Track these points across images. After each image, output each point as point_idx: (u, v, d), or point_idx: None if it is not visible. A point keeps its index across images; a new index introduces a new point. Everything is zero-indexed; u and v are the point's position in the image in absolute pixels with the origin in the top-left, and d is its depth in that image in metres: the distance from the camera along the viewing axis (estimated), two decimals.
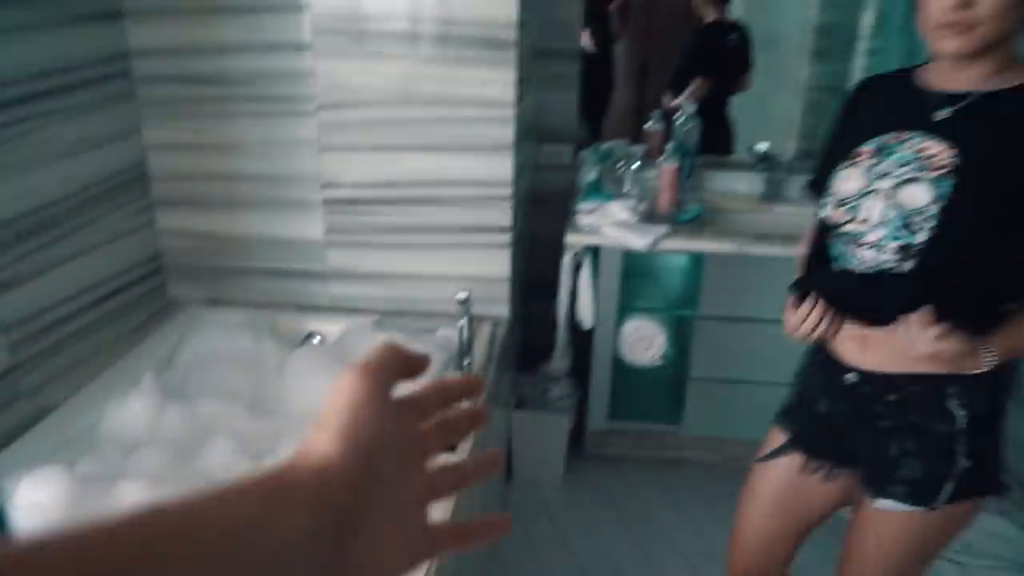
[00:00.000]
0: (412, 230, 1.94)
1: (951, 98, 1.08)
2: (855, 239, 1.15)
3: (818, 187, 1.26)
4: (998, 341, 1.09)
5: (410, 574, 0.38)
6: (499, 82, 1.79)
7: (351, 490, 0.35)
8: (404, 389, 0.40)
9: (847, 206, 1.15)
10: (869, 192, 1.13)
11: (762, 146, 2.52)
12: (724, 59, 2.67)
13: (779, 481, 1.34)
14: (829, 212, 1.18)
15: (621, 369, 2.22)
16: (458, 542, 0.41)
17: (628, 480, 2.33)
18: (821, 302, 1.19)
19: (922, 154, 1.09)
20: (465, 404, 0.43)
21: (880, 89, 1.23)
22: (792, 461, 1.31)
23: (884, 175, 1.12)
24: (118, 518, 0.28)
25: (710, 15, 2.61)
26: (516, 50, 1.76)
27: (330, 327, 1.94)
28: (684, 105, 2.43)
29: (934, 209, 1.05)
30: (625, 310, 2.17)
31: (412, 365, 0.40)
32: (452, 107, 1.81)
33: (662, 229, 2.05)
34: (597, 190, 2.28)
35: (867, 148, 1.15)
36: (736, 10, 2.63)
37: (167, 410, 1.53)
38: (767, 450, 1.35)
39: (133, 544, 0.28)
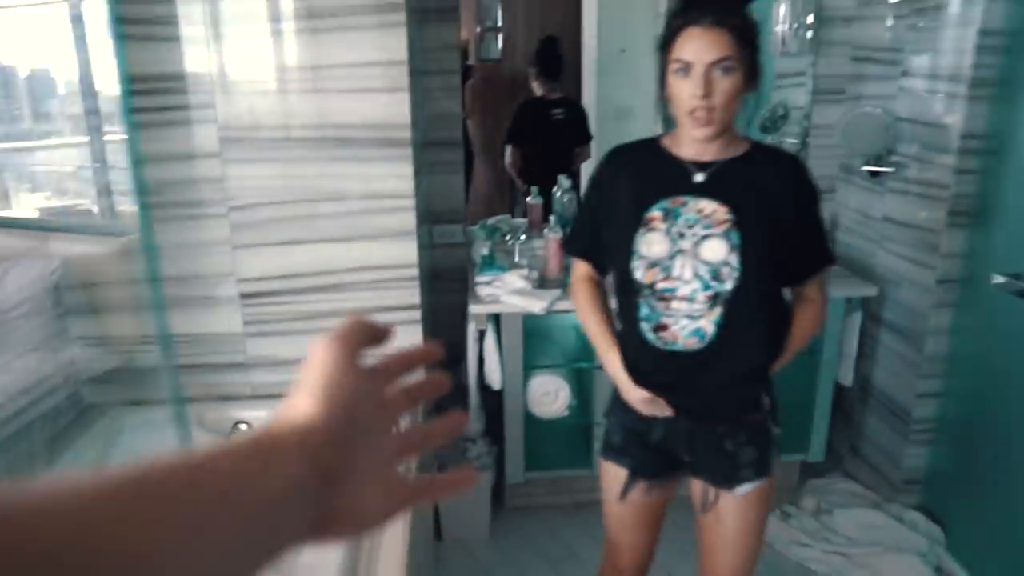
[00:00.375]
0: (328, 315, 2.08)
1: (701, 165, 1.37)
2: (665, 295, 1.36)
3: (583, 252, 1.54)
4: (786, 351, 1.45)
5: (385, 525, 0.41)
6: (398, 176, 1.99)
7: (332, 444, 0.37)
8: (371, 358, 0.44)
9: (659, 267, 1.36)
10: (677, 253, 1.35)
11: None
12: (550, 132, 2.98)
13: (635, 507, 1.56)
14: (642, 274, 1.37)
15: (532, 423, 2.41)
16: (429, 494, 0.44)
17: (549, 525, 2.50)
18: (658, 400, 1.43)
19: (702, 213, 1.34)
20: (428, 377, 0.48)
21: (635, 159, 1.46)
22: (639, 488, 1.54)
23: (682, 235, 1.35)
24: (112, 473, 0.29)
25: (538, 91, 2.92)
26: (411, 147, 1.98)
27: (256, 414, 2.03)
28: (560, 180, 2.73)
29: (734, 259, 1.32)
30: (529, 369, 2.37)
31: (377, 334, 0.44)
32: (357, 201, 1.99)
33: (555, 293, 2.29)
34: (491, 263, 2.50)
35: (656, 213, 1.37)
36: (588, 87, 2.96)
37: None
38: (617, 489, 1.55)
39: (126, 497, 0.28)
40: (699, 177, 1.37)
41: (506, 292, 2.30)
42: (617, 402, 1.54)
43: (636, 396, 1.44)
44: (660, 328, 1.38)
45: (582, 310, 1.55)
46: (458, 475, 0.45)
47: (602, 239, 1.48)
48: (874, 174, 2.48)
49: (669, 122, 1.42)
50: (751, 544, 1.52)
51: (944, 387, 2.36)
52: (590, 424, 2.45)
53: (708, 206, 1.34)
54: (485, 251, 2.54)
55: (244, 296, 2.06)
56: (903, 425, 2.44)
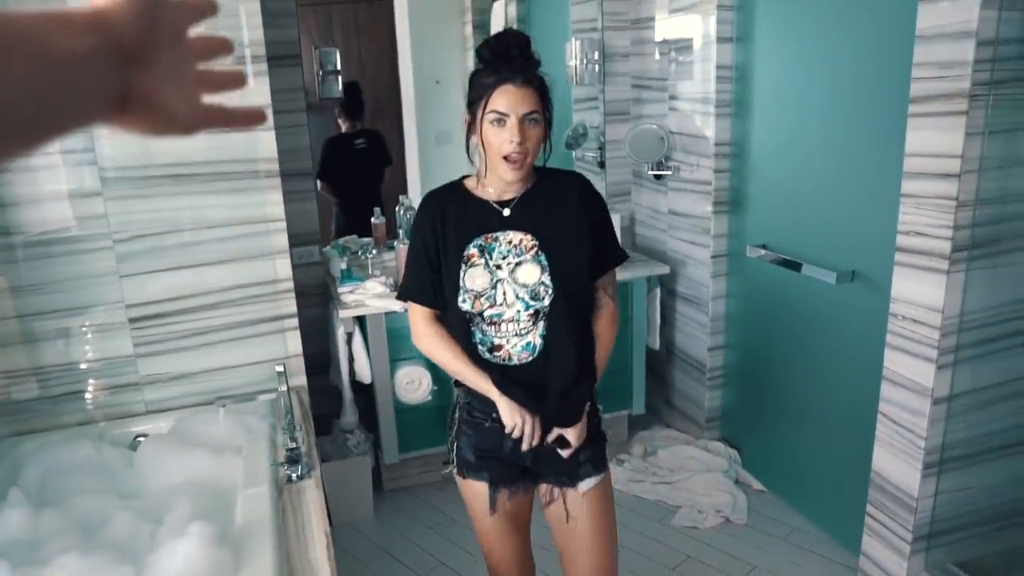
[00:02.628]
0: (213, 330, 2.33)
1: (505, 203, 1.54)
2: (494, 319, 1.52)
3: (423, 296, 1.58)
4: (599, 369, 1.62)
5: (183, 134, 0.47)
6: (270, 203, 2.29)
7: (127, 26, 0.42)
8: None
9: (483, 297, 1.51)
10: (497, 282, 1.51)
11: None
12: (356, 160, 3.37)
13: (503, 515, 1.66)
14: (470, 306, 1.52)
15: (401, 409, 2.76)
16: (223, 120, 0.49)
17: (425, 499, 2.86)
18: (534, 421, 1.53)
19: (512, 243, 1.52)
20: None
21: (447, 204, 1.57)
22: (502, 496, 1.64)
23: (498, 266, 1.51)
24: None
25: (343, 127, 3.30)
26: (279, 177, 2.29)
27: (154, 425, 2.23)
28: (402, 199, 3.11)
29: (546, 278, 1.50)
30: (394, 362, 2.73)
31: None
32: (234, 226, 2.27)
33: None
34: (350, 275, 2.84)
35: (473, 251, 1.52)
36: (409, 116, 3.31)
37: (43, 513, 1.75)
38: (484, 503, 1.64)
39: None
40: (505, 212, 1.54)
41: (369, 297, 2.65)
42: (462, 425, 1.65)
43: (511, 415, 1.53)
44: (495, 349, 1.54)
45: (438, 355, 1.61)
46: (249, 113, 0.52)
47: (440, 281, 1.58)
48: (658, 177, 3.09)
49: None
50: (609, 538, 1.65)
51: (726, 340, 2.99)
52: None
53: (516, 236, 1.53)
54: (343, 266, 2.87)
55: (132, 320, 2.26)
56: (701, 375, 3.05)
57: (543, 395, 1.54)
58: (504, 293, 1.51)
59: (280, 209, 2.30)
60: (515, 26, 3.34)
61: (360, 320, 2.68)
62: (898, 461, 2.09)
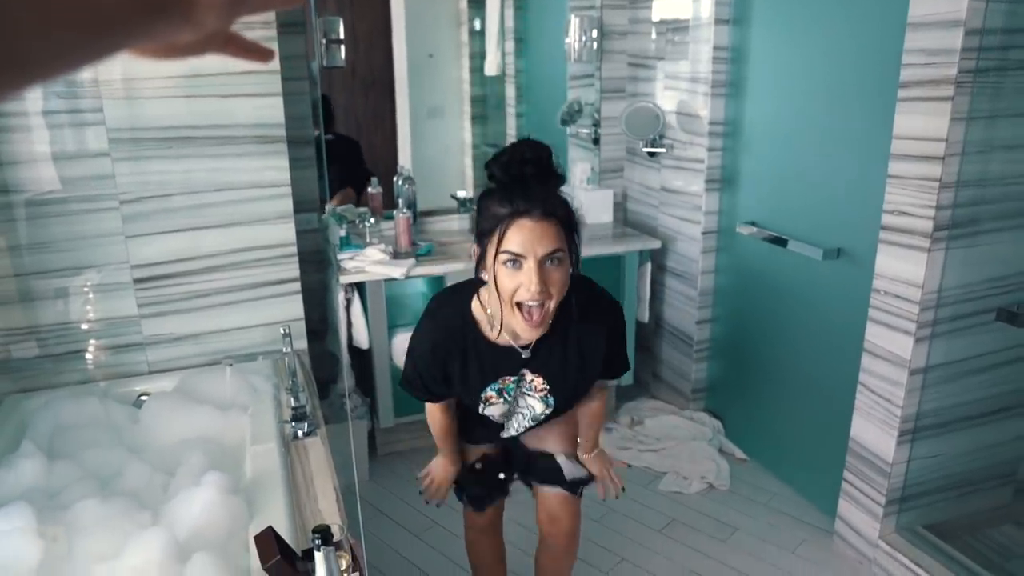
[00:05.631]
0: (217, 292, 2.38)
1: (523, 347, 1.47)
2: (504, 424, 1.67)
3: (432, 397, 1.62)
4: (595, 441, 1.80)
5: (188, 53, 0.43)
6: (275, 167, 2.34)
7: (212, 11, 0.39)
8: None
9: (503, 415, 1.62)
10: (514, 413, 1.61)
11: (461, 193, 3.35)
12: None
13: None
14: (492, 414, 1.61)
15: (397, 374, 2.83)
16: (236, 48, 0.47)
17: (418, 462, 2.93)
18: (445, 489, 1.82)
19: (524, 380, 1.53)
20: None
21: (456, 351, 1.48)
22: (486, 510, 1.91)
23: (515, 399, 1.57)
24: None
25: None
26: (286, 143, 2.33)
27: (158, 384, 2.28)
28: (401, 168, 3.16)
29: (548, 411, 1.59)
30: (392, 327, 2.79)
31: None
32: (240, 190, 2.32)
33: (410, 262, 2.73)
34: (349, 242, 2.89)
35: (491, 393, 1.54)
36: (401, 91, 3.32)
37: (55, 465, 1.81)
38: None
39: None
40: (523, 357, 1.49)
41: (369, 263, 2.71)
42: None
43: (438, 477, 1.82)
44: (500, 429, 1.70)
45: (437, 436, 1.76)
46: (261, 50, 0.49)
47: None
48: (651, 154, 3.16)
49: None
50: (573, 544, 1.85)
51: (714, 314, 3.08)
52: None
53: (528, 375, 1.52)
54: (342, 233, 2.92)
55: (137, 281, 2.30)
56: (688, 348, 3.14)
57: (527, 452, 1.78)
58: (517, 420, 1.64)
59: (286, 174, 2.35)
60: (512, 7, 3.37)
61: (359, 287, 2.74)
62: (875, 429, 2.20)
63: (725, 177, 2.91)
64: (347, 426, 2.76)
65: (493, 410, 1.59)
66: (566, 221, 1.29)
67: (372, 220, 3.06)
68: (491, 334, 1.45)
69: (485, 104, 3.48)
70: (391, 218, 3.00)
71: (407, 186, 3.13)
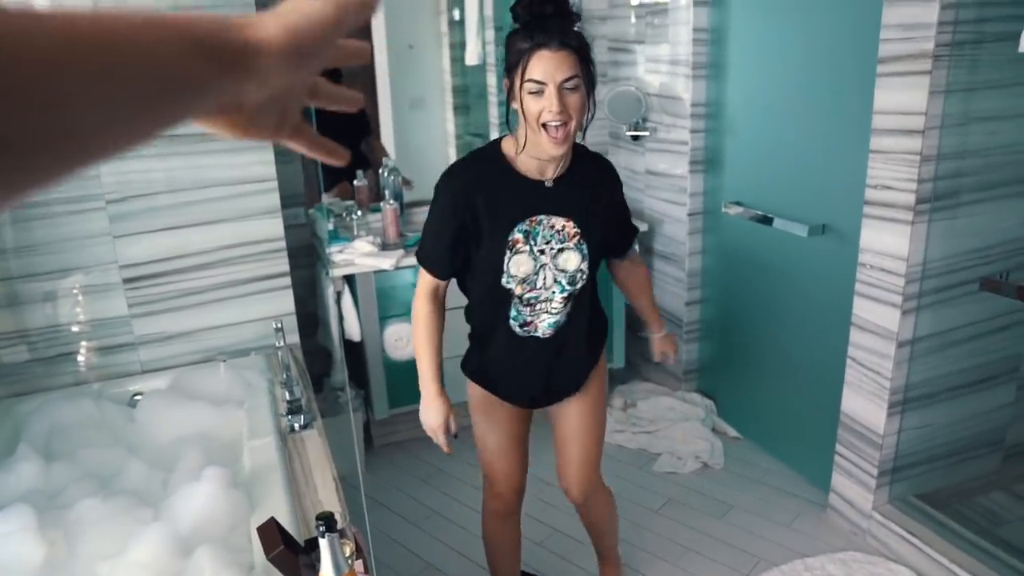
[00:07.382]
0: (207, 290, 2.38)
1: (546, 182, 1.55)
2: (531, 301, 1.60)
3: (436, 265, 1.61)
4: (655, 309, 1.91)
5: (261, 139, 0.44)
6: (261, 162, 2.33)
7: (274, 67, 0.39)
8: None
9: (527, 282, 1.58)
10: (540, 267, 1.57)
11: None
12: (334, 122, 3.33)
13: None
14: (514, 287, 1.58)
15: (390, 366, 2.84)
16: (306, 142, 0.49)
17: (414, 452, 2.96)
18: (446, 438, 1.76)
19: (555, 228, 1.55)
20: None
21: (484, 180, 1.54)
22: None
23: (542, 252, 1.56)
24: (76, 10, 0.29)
25: None
26: None
27: (151, 384, 2.28)
28: (386, 161, 3.16)
29: (584, 265, 1.59)
30: (383, 319, 2.80)
31: (365, 9, 0.46)
32: (227, 186, 2.31)
33: (399, 253, 2.74)
34: (337, 236, 2.89)
35: (518, 236, 1.54)
36: (382, 82, 3.30)
37: (52, 467, 1.81)
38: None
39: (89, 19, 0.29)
40: (548, 195, 1.55)
41: (358, 256, 2.71)
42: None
43: (432, 423, 1.75)
44: (526, 325, 1.64)
45: (419, 342, 1.69)
46: (330, 149, 0.52)
47: (464, 254, 1.60)
48: (635, 138, 3.18)
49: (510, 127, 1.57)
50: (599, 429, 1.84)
51: (703, 295, 3.11)
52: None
53: (559, 222, 1.56)
54: (330, 227, 2.92)
55: (127, 281, 2.29)
56: (678, 329, 3.17)
57: (551, 370, 1.71)
58: (545, 278, 1.59)
59: (272, 169, 2.35)
60: None
61: (349, 279, 2.74)
62: (865, 402, 2.23)
63: (709, 158, 2.92)
64: (341, 419, 2.76)
65: (519, 266, 1.55)
66: (581, 52, 1.41)
67: (359, 213, 3.06)
68: (516, 163, 1.55)
69: (467, 94, 3.47)
70: (378, 210, 3.00)
71: (393, 178, 3.13)
